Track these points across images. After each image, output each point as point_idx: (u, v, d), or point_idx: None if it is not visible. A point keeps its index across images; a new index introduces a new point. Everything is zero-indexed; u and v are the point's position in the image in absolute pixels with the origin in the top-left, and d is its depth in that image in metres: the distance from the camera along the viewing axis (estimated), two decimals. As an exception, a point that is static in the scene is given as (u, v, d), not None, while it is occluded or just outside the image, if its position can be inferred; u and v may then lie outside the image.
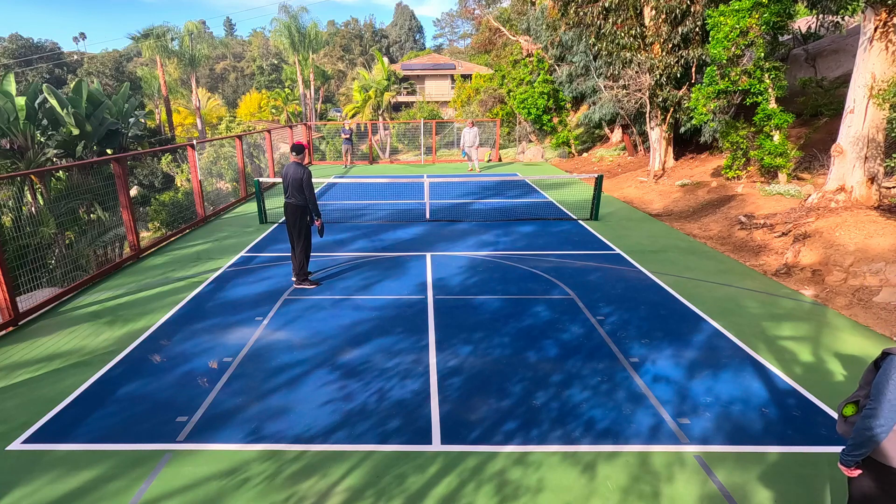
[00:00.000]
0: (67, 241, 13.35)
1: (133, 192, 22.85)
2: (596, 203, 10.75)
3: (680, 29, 13.26)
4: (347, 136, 20.61)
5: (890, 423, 2.25)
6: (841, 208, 8.25)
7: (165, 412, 4.24)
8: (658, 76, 13.61)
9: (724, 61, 11.01)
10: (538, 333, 5.56)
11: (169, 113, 36.33)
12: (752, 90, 10.94)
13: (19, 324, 6.06)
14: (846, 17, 12.28)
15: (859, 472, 2.44)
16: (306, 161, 6.99)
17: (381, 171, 19.60)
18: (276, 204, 12.61)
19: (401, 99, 44.90)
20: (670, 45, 13.61)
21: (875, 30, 8.02)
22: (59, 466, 3.64)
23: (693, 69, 13.87)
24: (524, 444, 3.81)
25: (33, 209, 14.73)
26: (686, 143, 15.70)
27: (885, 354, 2.36)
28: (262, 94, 51.24)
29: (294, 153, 6.84)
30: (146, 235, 17.59)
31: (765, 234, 8.72)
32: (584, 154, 21.58)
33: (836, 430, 3.83)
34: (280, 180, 7.29)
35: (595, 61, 16.79)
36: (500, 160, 22.24)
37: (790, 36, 15.52)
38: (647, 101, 14.03)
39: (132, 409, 4.31)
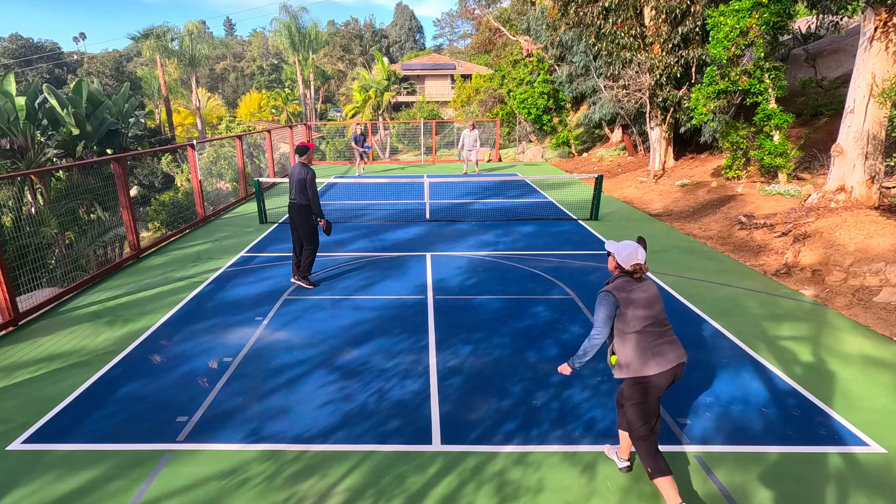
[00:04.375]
0: (67, 241, 13.35)
1: (133, 192, 22.85)
2: (596, 203, 10.75)
3: (680, 29, 13.26)
4: (359, 141, 17.86)
5: (599, 336, 3.23)
6: (841, 208, 8.25)
7: (165, 412, 4.24)
8: (658, 76, 13.61)
9: (724, 61, 11.01)
10: (538, 333, 5.56)
11: (169, 113, 36.32)
12: (752, 90, 10.94)
13: (19, 324, 6.07)
14: (846, 18, 12.28)
15: (570, 370, 3.36)
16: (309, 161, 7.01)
17: (387, 170, 19.56)
18: (275, 204, 12.61)
19: (401, 99, 44.91)
20: (670, 45, 13.61)
21: (875, 30, 8.02)
22: (59, 466, 3.64)
23: (693, 69, 13.87)
24: (524, 444, 3.81)
25: (33, 209, 14.74)
26: (686, 143, 15.70)
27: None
28: (262, 95, 51.24)
29: (298, 154, 6.88)
30: (146, 235, 17.59)
31: (765, 234, 8.72)
32: (584, 154, 21.59)
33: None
34: (285, 180, 7.27)
35: (595, 61, 16.79)
36: (500, 160, 22.25)
37: (790, 36, 15.52)
38: (647, 101, 14.03)
39: (132, 409, 4.31)
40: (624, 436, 3.46)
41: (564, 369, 3.39)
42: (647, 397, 3.15)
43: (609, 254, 3.44)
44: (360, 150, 17.90)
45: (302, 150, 6.87)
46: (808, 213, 8.51)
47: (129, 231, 8.57)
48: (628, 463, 3.53)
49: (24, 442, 3.91)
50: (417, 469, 3.57)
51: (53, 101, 19.90)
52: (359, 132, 17.94)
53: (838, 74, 13.75)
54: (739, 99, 11.67)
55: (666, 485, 3.07)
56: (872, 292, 6.37)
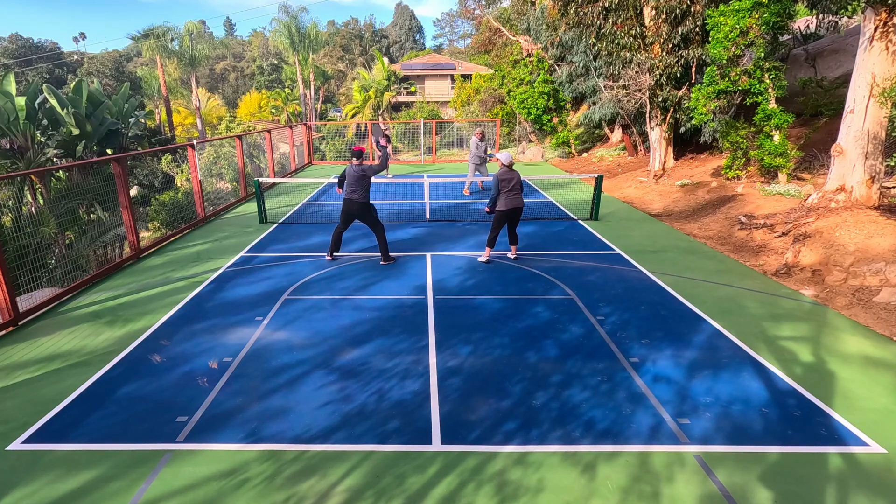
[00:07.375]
0: (67, 241, 13.35)
1: (133, 192, 22.85)
2: (596, 203, 10.75)
3: (680, 29, 13.26)
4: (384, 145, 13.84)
5: (493, 193, 7.43)
6: (841, 208, 8.25)
7: (165, 412, 4.24)
8: (658, 76, 13.61)
9: (724, 61, 11.01)
10: (538, 334, 5.56)
11: (169, 113, 36.33)
12: (752, 90, 10.94)
13: (19, 324, 6.06)
14: (846, 18, 12.29)
15: (488, 210, 7.60)
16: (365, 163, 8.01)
17: (394, 169, 19.53)
18: (275, 204, 12.61)
19: (401, 99, 44.91)
20: (670, 45, 13.61)
21: (875, 30, 8.01)
22: (59, 466, 3.64)
23: (693, 69, 13.87)
24: (524, 445, 3.81)
25: (33, 209, 14.73)
26: (686, 143, 15.70)
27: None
28: (262, 94, 51.21)
29: (356, 157, 7.85)
30: (146, 235, 17.58)
31: (765, 234, 8.72)
32: (584, 154, 21.59)
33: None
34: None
35: (595, 61, 16.79)
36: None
37: (790, 36, 15.53)
38: (647, 101, 14.03)
39: (132, 409, 4.31)
40: (488, 249, 7.81)
41: (486, 211, 7.65)
42: (500, 221, 7.59)
43: (499, 160, 7.53)
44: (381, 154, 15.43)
45: (358, 153, 7.93)
46: (808, 213, 8.51)
47: (129, 231, 8.57)
48: (488, 258, 7.90)
49: (24, 442, 3.91)
50: (417, 469, 3.58)
51: (53, 101, 19.90)
52: (380, 136, 15.30)
53: (838, 74, 13.75)
54: (739, 99, 11.67)
55: (488, 250, 7.83)
56: (872, 292, 6.37)
